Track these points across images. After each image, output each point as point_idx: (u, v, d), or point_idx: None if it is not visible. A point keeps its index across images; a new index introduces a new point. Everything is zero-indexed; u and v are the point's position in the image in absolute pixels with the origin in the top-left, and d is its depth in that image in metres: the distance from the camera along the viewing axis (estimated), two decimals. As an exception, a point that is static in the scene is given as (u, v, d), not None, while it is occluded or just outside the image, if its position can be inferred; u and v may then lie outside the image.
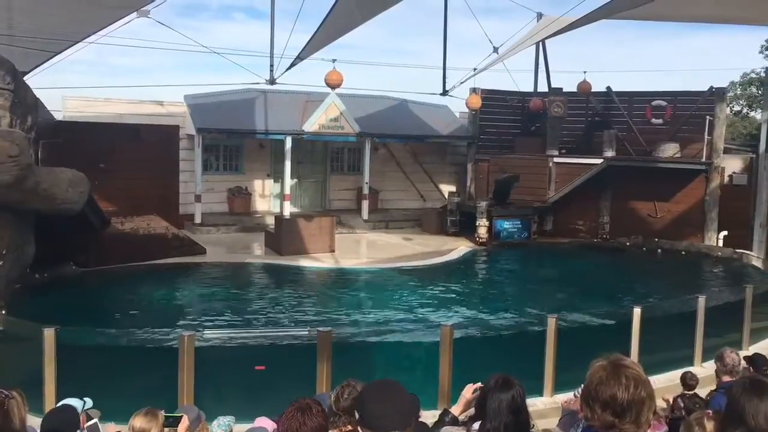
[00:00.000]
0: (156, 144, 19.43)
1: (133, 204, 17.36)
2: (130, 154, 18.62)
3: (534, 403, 9.09)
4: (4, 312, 10.49)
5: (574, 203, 21.51)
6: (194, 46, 15.78)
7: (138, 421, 4.11)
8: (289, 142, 20.21)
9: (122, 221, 15.90)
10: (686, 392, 6.37)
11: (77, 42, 13.93)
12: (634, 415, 2.62)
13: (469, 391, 3.95)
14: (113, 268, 14.82)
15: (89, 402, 4.66)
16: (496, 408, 3.49)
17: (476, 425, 3.60)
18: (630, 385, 2.63)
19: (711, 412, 3.56)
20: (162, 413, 4.27)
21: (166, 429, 4.20)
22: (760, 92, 28.26)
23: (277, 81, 16.29)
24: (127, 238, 15.55)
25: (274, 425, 4.39)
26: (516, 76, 29.48)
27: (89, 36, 13.88)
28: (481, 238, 19.93)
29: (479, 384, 3.88)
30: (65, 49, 14.06)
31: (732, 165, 20.62)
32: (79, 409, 4.51)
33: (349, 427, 3.78)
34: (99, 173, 16.97)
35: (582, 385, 2.87)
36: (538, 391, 9.48)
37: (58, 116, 19.24)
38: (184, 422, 4.29)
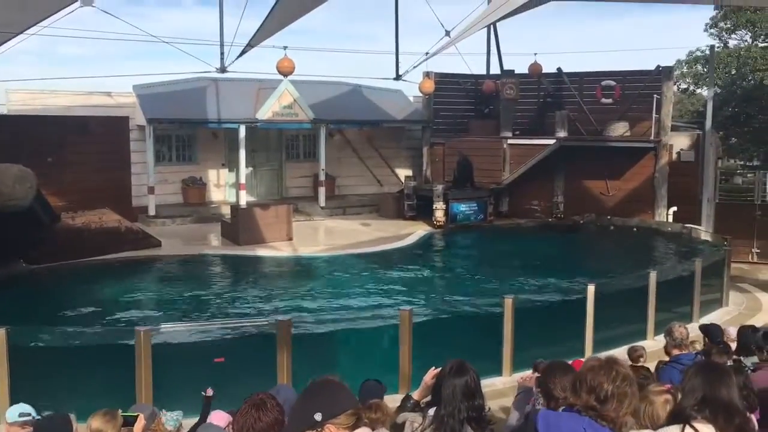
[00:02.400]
0: (105, 136, 19.03)
1: (83, 198, 16.99)
2: (79, 147, 18.18)
3: (493, 383, 9.24)
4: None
5: (529, 184, 21.76)
6: (142, 34, 15.42)
7: (96, 421, 4.05)
8: (242, 131, 19.98)
9: (73, 216, 15.55)
10: (634, 365, 6.53)
11: (19, 33, 13.48)
12: (616, 404, 2.81)
13: (429, 376, 3.98)
14: (65, 265, 14.50)
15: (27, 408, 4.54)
16: (450, 393, 3.54)
17: (432, 411, 3.64)
18: (618, 378, 2.84)
19: (670, 386, 3.69)
20: (120, 413, 4.23)
21: (123, 429, 4.16)
22: (705, 70, 28.92)
23: (228, 69, 16.01)
24: (79, 233, 15.22)
25: (230, 418, 4.37)
26: (468, 59, 29.60)
27: (31, 26, 13.44)
28: (439, 221, 20.05)
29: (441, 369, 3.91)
30: (6, 41, 13.60)
31: (680, 142, 21.08)
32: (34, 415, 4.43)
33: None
34: (47, 168, 16.56)
35: (537, 361, 3.07)
36: (497, 371, 9.62)
37: (2, 110, 18.69)
38: (140, 421, 4.24)
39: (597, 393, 2.81)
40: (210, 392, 5.69)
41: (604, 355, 3.04)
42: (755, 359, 5.87)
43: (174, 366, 8.22)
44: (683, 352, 5.68)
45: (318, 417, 2.62)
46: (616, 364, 2.91)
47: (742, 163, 34.38)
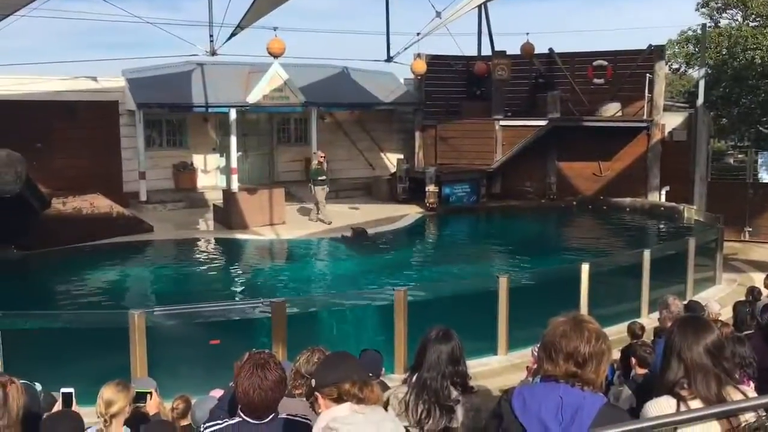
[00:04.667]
0: (95, 121, 18.85)
1: (74, 184, 16.85)
2: (68, 132, 18.02)
3: (489, 362, 9.29)
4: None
5: (521, 165, 21.76)
6: (130, 17, 15.28)
7: (108, 392, 4.00)
8: (233, 115, 19.85)
9: (64, 202, 15.46)
10: (635, 341, 6.56)
11: (7, 15, 13.32)
12: (595, 365, 2.75)
13: None
14: (57, 250, 14.45)
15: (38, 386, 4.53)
16: (435, 359, 3.56)
17: (415, 377, 3.64)
18: (591, 337, 2.75)
19: None
20: (133, 387, 4.21)
21: (134, 404, 4.15)
22: (696, 50, 28.89)
23: (218, 52, 15.94)
24: (70, 219, 15.14)
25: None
26: (460, 40, 29.52)
27: (20, 9, 13.27)
28: (431, 203, 20.04)
29: None
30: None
31: (672, 122, 21.11)
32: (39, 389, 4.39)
33: (305, 389, 3.80)
34: (36, 153, 16.41)
35: (539, 341, 2.95)
36: (493, 351, 9.66)
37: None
38: (154, 398, 4.23)
39: (575, 358, 2.72)
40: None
41: (567, 315, 2.83)
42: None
43: (169, 348, 8.21)
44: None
45: (313, 383, 3.03)
46: (585, 322, 2.80)
47: (732, 143, 34.46)
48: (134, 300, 12.27)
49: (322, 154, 17.93)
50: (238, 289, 12.99)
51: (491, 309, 9.66)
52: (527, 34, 22.23)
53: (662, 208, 19.52)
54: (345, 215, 18.62)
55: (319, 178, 17.59)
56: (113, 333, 8.38)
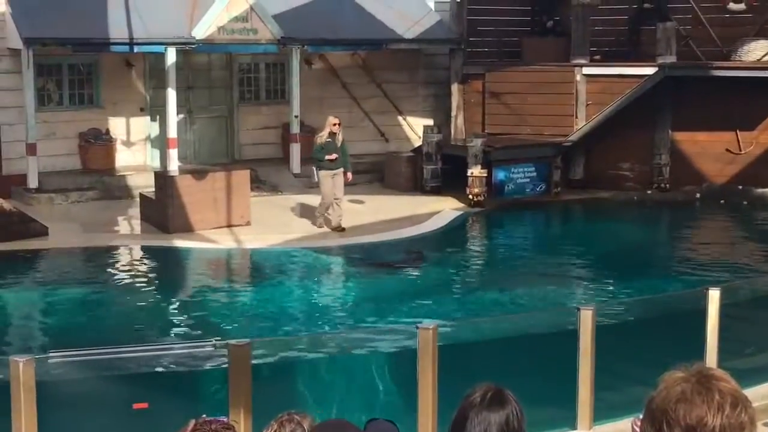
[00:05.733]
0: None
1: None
2: None
3: (563, 441, 9.29)
4: None
5: (616, 137, 21.69)
6: None
7: None
8: (171, 56, 19.88)
9: None
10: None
11: None
12: None
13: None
14: None
15: None
16: None
17: None
18: (725, 404, 2.72)
19: None
20: None
21: None
22: None
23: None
24: None
25: None
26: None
27: None
28: (476, 195, 20.02)
29: None
30: None
31: None
32: None
33: None
34: None
35: (644, 409, 2.95)
36: (569, 423, 9.65)
37: None
38: None
39: None
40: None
41: (687, 370, 2.84)
42: None
43: (71, 414, 8.28)
44: None
45: None
46: (715, 380, 2.76)
47: None
48: (16, 342, 12.34)
49: (335, 121, 17.61)
50: (178, 326, 13.03)
51: (568, 358, 9.64)
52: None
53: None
54: (347, 212, 18.61)
55: (328, 157, 17.21)
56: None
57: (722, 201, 20.97)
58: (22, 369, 7.69)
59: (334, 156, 17.21)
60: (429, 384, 8.63)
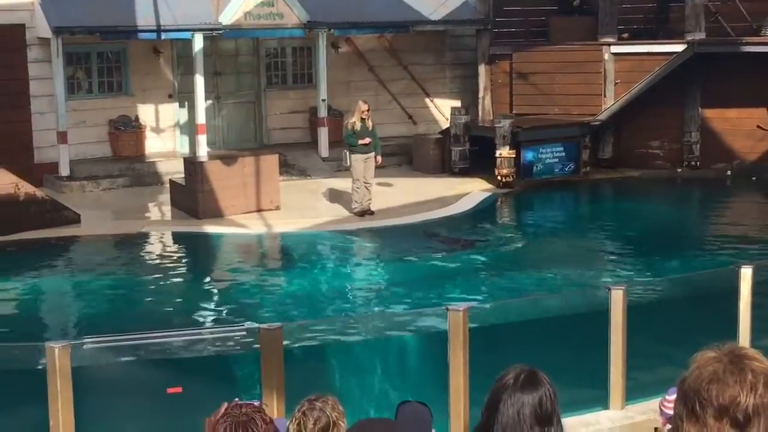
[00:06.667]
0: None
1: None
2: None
3: (597, 420, 9.29)
4: None
5: (645, 116, 21.57)
6: None
7: None
8: (198, 42, 19.93)
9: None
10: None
11: None
12: (763, 425, 2.69)
13: None
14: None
15: None
16: (514, 416, 3.53)
17: None
18: (758, 383, 2.69)
19: None
20: None
21: None
22: None
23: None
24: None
25: None
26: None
27: None
28: (505, 176, 20.00)
29: None
30: None
31: None
32: None
33: None
34: None
35: (674, 387, 2.93)
36: (602, 402, 9.65)
37: None
38: None
39: (733, 414, 2.67)
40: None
41: (718, 349, 2.76)
42: None
43: (106, 399, 8.36)
44: None
45: None
46: (748, 359, 2.73)
47: None
48: (52, 328, 12.46)
49: (365, 107, 17.59)
50: (209, 311, 13.13)
51: (599, 338, 9.63)
52: None
53: None
54: (376, 196, 18.62)
55: (361, 142, 17.25)
56: (21, 377, 8.53)
57: (754, 178, 20.83)
58: (58, 355, 7.78)
59: (367, 140, 17.25)
60: (460, 366, 8.66)
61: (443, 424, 8.42)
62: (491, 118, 21.92)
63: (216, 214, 17.26)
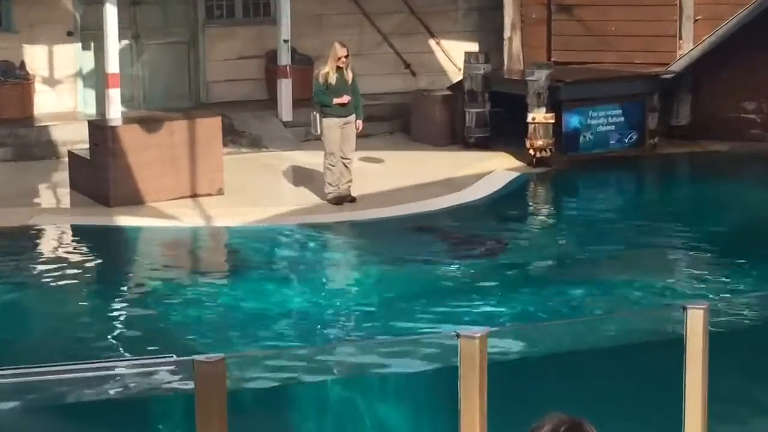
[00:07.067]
0: None
1: None
2: None
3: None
4: None
5: (737, 67, 21.73)
6: None
7: None
8: (109, -42, 20.04)
9: None
10: None
11: None
12: None
13: None
14: None
15: None
16: None
17: None
18: None
19: None
20: None
21: None
22: None
23: None
24: None
25: None
26: None
27: None
28: (539, 149, 20.05)
29: None
30: None
31: None
32: None
33: None
34: None
35: None
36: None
37: None
38: None
39: None
40: None
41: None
42: None
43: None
44: None
45: None
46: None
47: None
48: None
49: (344, 52, 17.45)
50: (123, 338, 13.17)
51: (671, 375, 9.74)
52: None
53: None
54: (358, 175, 18.72)
55: (337, 101, 17.14)
56: None
57: None
58: None
59: (345, 99, 17.17)
60: (476, 410, 8.76)
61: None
62: (521, 69, 22.00)
63: (133, 200, 17.30)
